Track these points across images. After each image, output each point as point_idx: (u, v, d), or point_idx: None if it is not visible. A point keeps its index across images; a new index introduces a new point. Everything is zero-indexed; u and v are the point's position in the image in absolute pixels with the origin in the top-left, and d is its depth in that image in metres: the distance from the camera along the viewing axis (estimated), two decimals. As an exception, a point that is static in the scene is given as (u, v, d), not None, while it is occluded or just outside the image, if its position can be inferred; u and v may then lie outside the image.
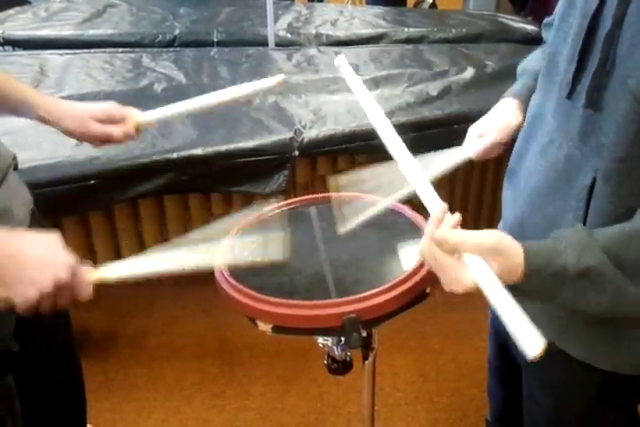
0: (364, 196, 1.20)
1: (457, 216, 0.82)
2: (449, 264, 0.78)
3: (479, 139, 1.17)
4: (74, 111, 1.18)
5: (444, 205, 0.83)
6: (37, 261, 0.83)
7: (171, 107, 1.24)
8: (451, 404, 1.96)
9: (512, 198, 1.08)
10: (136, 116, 1.21)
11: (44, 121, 1.18)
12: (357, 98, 1.10)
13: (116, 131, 1.18)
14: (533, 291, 0.78)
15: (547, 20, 1.13)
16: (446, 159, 1.16)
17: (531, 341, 0.71)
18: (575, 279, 0.76)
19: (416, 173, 0.94)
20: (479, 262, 0.77)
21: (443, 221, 0.81)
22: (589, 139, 0.84)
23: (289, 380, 2.06)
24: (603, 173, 0.83)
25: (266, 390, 2.03)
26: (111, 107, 1.20)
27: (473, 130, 1.20)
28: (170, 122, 1.90)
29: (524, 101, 1.11)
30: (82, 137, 1.20)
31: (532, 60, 1.18)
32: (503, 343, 1.26)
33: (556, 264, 0.76)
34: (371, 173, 1.05)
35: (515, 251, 0.78)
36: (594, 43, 0.82)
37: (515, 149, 1.09)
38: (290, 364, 2.11)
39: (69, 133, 1.19)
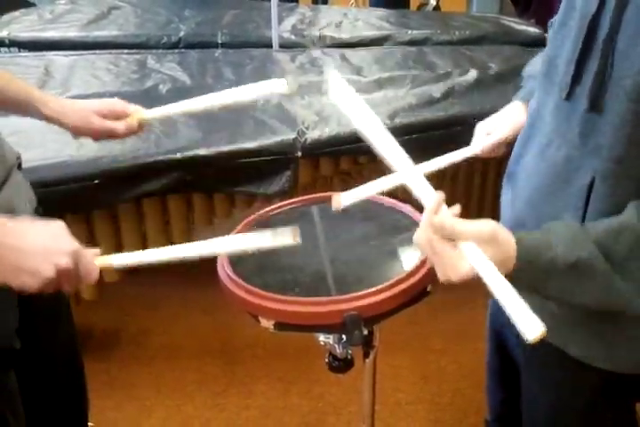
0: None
1: (457, 208, 0.83)
2: (446, 251, 0.79)
3: (487, 136, 1.21)
4: (77, 107, 1.19)
5: (441, 194, 0.84)
6: (39, 250, 0.83)
7: (175, 105, 1.25)
8: (451, 404, 1.97)
9: (511, 200, 1.08)
10: (139, 112, 1.22)
11: (48, 119, 1.19)
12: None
13: (118, 126, 1.20)
14: (524, 282, 0.79)
15: (552, 19, 1.14)
16: (454, 155, 1.19)
17: (530, 325, 0.73)
18: (565, 271, 0.78)
19: (410, 167, 0.94)
20: (476, 250, 0.78)
21: (440, 210, 0.82)
22: (588, 140, 0.85)
23: (290, 379, 2.07)
24: (601, 173, 0.84)
25: (267, 390, 2.03)
26: (114, 102, 1.21)
27: (481, 127, 1.23)
28: (174, 122, 1.91)
29: (529, 101, 1.13)
30: (85, 132, 1.21)
31: (539, 64, 1.19)
32: (501, 343, 1.27)
33: (546, 256, 0.78)
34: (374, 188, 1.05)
35: (509, 241, 0.79)
36: (593, 45, 0.83)
37: (514, 150, 1.10)
38: (291, 363, 2.12)
39: (73, 129, 1.20)
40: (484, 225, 0.80)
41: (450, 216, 0.82)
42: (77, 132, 1.21)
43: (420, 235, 0.82)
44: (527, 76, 1.24)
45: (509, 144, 1.19)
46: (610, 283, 0.78)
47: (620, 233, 0.78)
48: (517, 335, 0.77)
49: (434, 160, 1.19)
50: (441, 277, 0.81)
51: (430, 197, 0.87)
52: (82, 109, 1.19)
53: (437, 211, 0.82)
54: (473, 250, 0.78)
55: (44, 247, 0.83)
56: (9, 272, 0.82)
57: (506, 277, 0.78)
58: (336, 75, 0.96)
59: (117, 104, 1.21)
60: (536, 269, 0.78)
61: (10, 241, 0.83)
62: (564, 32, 0.91)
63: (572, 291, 0.80)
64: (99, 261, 0.91)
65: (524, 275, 0.79)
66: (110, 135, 1.21)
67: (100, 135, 1.21)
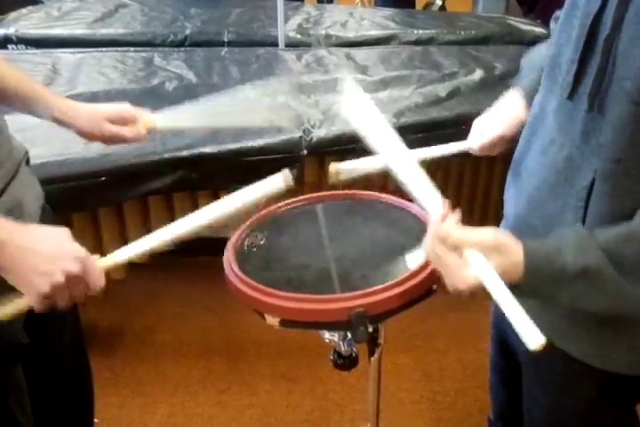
0: (372, 194, 1.22)
1: (457, 213, 0.84)
2: (452, 262, 0.80)
3: (483, 134, 1.19)
4: (87, 112, 1.20)
5: (447, 204, 0.85)
6: (48, 253, 0.84)
7: (184, 115, 1.24)
8: (455, 403, 1.97)
9: (513, 197, 1.09)
10: (148, 117, 1.23)
11: (58, 121, 1.20)
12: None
13: (128, 132, 1.20)
14: (534, 290, 0.80)
15: (556, 13, 1.13)
16: (449, 147, 1.20)
17: (532, 335, 0.73)
18: (574, 279, 0.78)
19: (415, 174, 0.95)
20: (481, 259, 0.78)
21: (445, 219, 0.83)
22: (589, 139, 0.85)
23: (294, 378, 2.08)
24: (601, 173, 0.84)
25: (271, 388, 2.04)
26: (124, 108, 1.21)
27: (478, 124, 1.21)
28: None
29: (530, 96, 1.12)
30: (94, 137, 1.22)
31: (538, 54, 1.18)
32: (504, 342, 1.27)
33: (555, 264, 0.78)
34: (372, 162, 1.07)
35: (514, 249, 0.80)
36: (594, 45, 0.83)
37: (517, 147, 1.10)
38: (295, 362, 2.13)
39: (82, 134, 1.21)
40: (486, 234, 0.81)
41: (453, 225, 0.82)
42: (86, 136, 1.22)
43: (427, 246, 0.83)
44: (527, 64, 1.22)
45: (507, 142, 1.18)
46: (620, 290, 0.78)
47: (630, 239, 0.78)
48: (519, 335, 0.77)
49: (430, 148, 1.20)
50: (450, 287, 0.81)
51: (436, 206, 0.87)
52: (92, 114, 1.19)
53: (442, 221, 0.83)
54: (477, 258, 0.79)
55: (56, 251, 0.85)
56: (21, 273, 0.84)
57: (515, 284, 0.78)
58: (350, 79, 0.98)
59: (128, 110, 1.21)
60: (546, 277, 0.79)
61: (22, 243, 0.85)
62: (567, 30, 0.91)
63: (583, 298, 0.80)
64: (101, 263, 0.92)
65: (534, 282, 0.79)
66: (118, 141, 1.22)
67: (108, 140, 1.21)
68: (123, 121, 1.20)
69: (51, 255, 0.84)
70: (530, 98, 1.13)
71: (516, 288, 0.78)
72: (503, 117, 1.17)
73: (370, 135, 1.00)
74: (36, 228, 0.90)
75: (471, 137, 1.21)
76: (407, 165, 0.96)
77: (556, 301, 0.82)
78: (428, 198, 0.90)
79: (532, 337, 0.73)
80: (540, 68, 1.13)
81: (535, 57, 1.20)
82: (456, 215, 0.84)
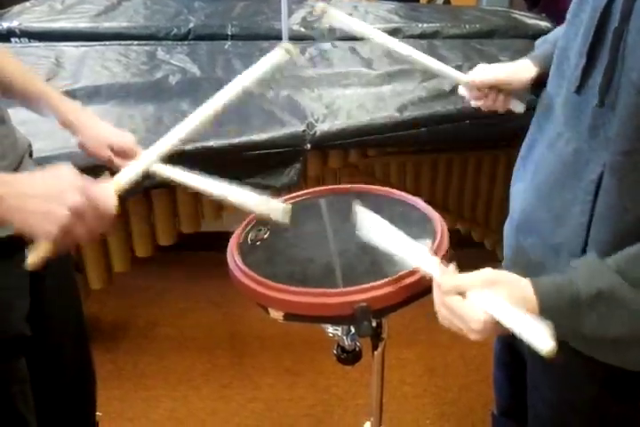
0: (375, 188, 1.21)
1: (452, 267, 0.85)
2: (459, 305, 0.79)
3: (482, 71, 1.22)
4: (93, 132, 1.21)
5: (448, 267, 0.85)
6: (44, 192, 0.81)
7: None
8: (458, 398, 1.97)
9: (520, 192, 1.08)
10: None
11: (63, 125, 1.22)
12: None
13: (122, 164, 1.18)
14: (555, 323, 0.77)
15: None
16: (447, 68, 1.29)
17: (543, 342, 0.72)
18: (591, 305, 0.77)
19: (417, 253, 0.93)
20: (483, 293, 0.78)
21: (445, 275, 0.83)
22: (598, 133, 0.85)
23: (297, 372, 2.08)
24: (609, 166, 0.83)
25: (274, 382, 2.04)
26: (129, 144, 1.21)
27: (480, 66, 1.23)
28: (183, 114, 1.91)
29: (541, 62, 1.13)
30: (88, 152, 1.22)
31: (553, 33, 1.18)
32: (509, 337, 1.26)
33: (568, 293, 0.77)
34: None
35: (518, 280, 0.79)
36: (603, 38, 0.82)
37: (524, 141, 1.10)
38: (298, 356, 2.13)
39: (79, 145, 1.22)
40: (484, 271, 0.81)
41: (451, 275, 0.83)
42: (82, 148, 1.22)
43: (436, 304, 0.84)
44: (541, 42, 1.22)
45: (501, 93, 1.20)
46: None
47: None
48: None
49: (428, 59, 1.31)
50: (469, 334, 0.80)
51: (436, 268, 0.87)
52: (98, 137, 1.20)
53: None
54: (479, 293, 0.78)
55: (50, 188, 0.81)
56: (25, 220, 0.80)
57: None
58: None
59: (131, 146, 1.20)
60: (564, 308, 0.78)
61: (20, 190, 0.81)
62: (575, 24, 0.91)
63: (604, 324, 0.79)
64: (112, 186, 0.91)
65: (555, 316, 0.77)
66: (109, 165, 1.21)
67: (99, 161, 1.21)
68: (123, 153, 1.19)
69: (48, 194, 0.80)
70: (542, 63, 1.12)
71: None
72: (507, 68, 1.19)
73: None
74: (36, 172, 0.86)
75: (470, 74, 1.23)
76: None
77: (580, 331, 0.80)
78: (426, 264, 0.89)
79: (543, 344, 0.72)
80: (553, 40, 1.12)
81: (548, 36, 1.21)
82: (452, 268, 0.84)
